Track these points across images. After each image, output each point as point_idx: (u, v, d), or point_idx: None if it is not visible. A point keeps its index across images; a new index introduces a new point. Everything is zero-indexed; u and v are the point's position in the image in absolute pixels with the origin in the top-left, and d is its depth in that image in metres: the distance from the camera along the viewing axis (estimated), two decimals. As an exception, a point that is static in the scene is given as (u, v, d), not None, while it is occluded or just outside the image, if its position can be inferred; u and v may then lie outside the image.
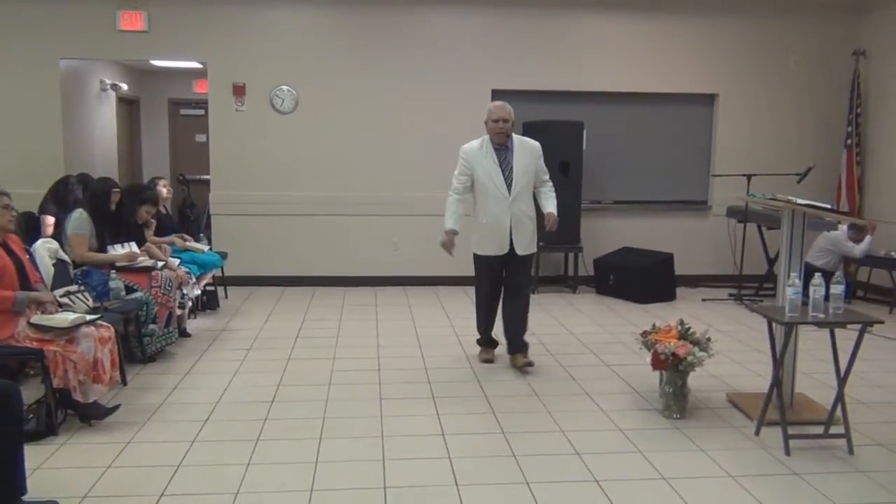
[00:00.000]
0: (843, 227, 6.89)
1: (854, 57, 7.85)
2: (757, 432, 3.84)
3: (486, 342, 5.24)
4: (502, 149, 4.91)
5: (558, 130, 7.36)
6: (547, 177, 5.11)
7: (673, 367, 3.98)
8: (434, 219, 7.73)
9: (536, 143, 5.04)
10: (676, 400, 4.06)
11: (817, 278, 3.68)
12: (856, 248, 6.85)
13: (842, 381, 3.72)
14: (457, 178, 5.00)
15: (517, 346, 5.01)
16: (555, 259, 7.98)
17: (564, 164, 7.32)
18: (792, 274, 3.89)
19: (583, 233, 7.65)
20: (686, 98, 8.07)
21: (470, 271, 8.03)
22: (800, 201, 4.01)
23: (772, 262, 7.31)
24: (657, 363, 4.02)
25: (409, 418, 4.02)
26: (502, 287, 5.09)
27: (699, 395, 4.38)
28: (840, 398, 3.72)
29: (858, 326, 3.70)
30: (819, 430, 3.79)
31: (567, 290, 7.69)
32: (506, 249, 4.90)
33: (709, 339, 4.11)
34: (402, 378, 4.73)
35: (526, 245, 4.94)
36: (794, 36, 8.01)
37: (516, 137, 4.98)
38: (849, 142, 7.82)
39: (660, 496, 3.17)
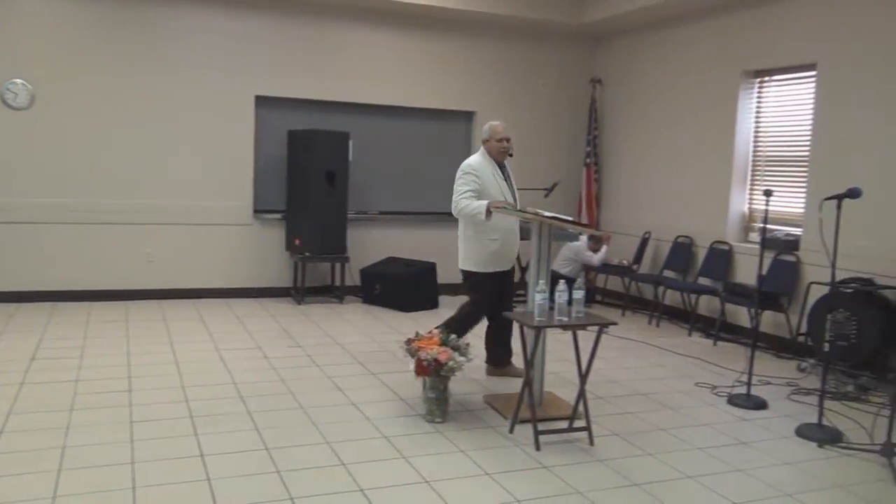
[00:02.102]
0: (584, 238, 7.57)
1: (591, 84, 8.70)
2: (511, 430, 4.09)
3: (497, 359, 5.24)
4: (503, 167, 5.02)
5: (324, 140, 7.34)
6: None
7: (435, 373, 4.11)
8: (193, 228, 7.42)
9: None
10: (439, 404, 4.20)
11: (562, 285, 4.01)
12: (594, 257, 7.57)
13: (583, 378, 4.08)
14: (463, 194, 4.85)
15: (508, 357, 5.21)
16: (321, 269, 7.93)
17: (330, 175, 7.32)
18: (540, 281, 4.19)
19: (349, 243, 7.68)
20: (448, 114, 8.43)
21: (234, 283, 7.76)
22: (546, 214, 4.34)
23: (523, 270, 7.84)
24: (420, 370, 4.13)
25: (164, 441, 3.76)
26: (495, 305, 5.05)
27: (460, 398, 4.58)
28: (582, 394, 4.07)
29: (597, 328, 4.08)
30: (565, 424, 4.11)
31: (334, 299, 7.68)
32: (511, 264, 5.06)
33: (468, 345, 4.31)
34: (157, 398, 4.42)
35: (514, 260, 5.15)
36: (543, 62, 8.69)
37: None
38: (588, 160, 8.64)
39: (422, 499, 3.25)
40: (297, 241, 7.43)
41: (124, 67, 7.08)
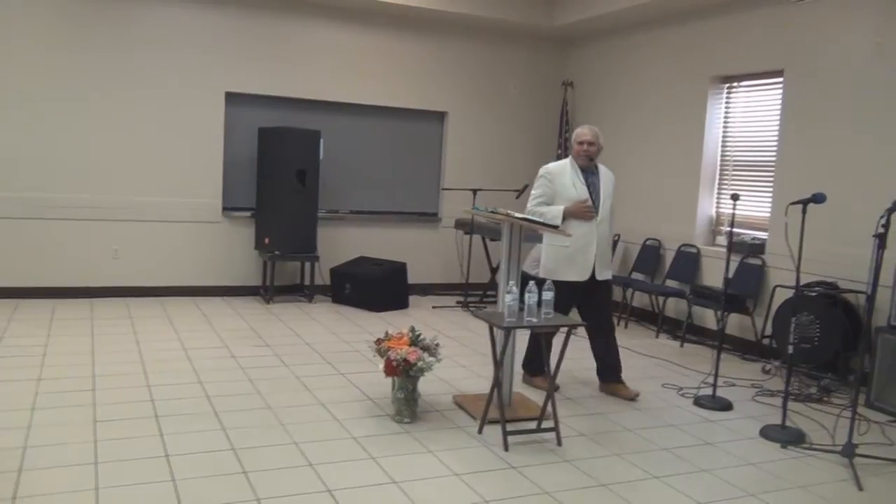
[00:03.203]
0: (554, 240, 7.60)
1: (563, 86, 8.75)
2: (480, 431, 4.10)
3: (539, 366, 4.83)
4: (588, 172, 4.82)
5: (295, 138, 7.29)
6: (612, 217, 4.96)
7: (404, 373, 4.10)
8: (161, 224, 7.32)
9: (612, 175, 4.99)
10: (408, 405, 4.19)
11: (532, 286, 4.03)
12: (564, 258, 7.60)
13: (552, 379, 4.10)
14: (534, 198, 4.78)
15: (618, 374, 4.95)
16: (291, 268, 7.88)
17: (301, 173, 7.27)
18: (510, 282, 4.21)
19: (319, 242, 7.64)
20: (420, 114, 8.42)
21: (202, 281, 7.68)
22: (517, 215, 4.35)
23: (494, 271, 7.87)
24: (389, 370, 4.12)
25: (128, 441, 3.71)
26: (585, 320, 4.81)
27: (429, 398, 4.57)
28: (550, 395, 4.09)
29: (565, 329, 4.10)
30: (533, 425, 4.13)
31: (303, 299, 7.63)
32: (588, 275, 4.74)
33: (437, 345, 4.31)
34: (121, 398, 4.35)
35: (606, 270, 4.84)
36: (515, 63, 8.73)
37: (600, 165, 4.91)
38: (559, 163, 8.68)
39: (390, 500, 3.24)
40: (266, 240, 7.37)
41: (91, 62, 6.96)
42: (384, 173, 8.37)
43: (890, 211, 3.80)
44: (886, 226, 3.79)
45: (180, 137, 7.34)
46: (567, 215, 4.68)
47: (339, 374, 5.09)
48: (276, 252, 7.32)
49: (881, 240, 3.80)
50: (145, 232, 7.28)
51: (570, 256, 4.75)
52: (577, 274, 4.74)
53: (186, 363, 5.16)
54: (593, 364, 5.67)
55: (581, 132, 4.83)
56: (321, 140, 7.48)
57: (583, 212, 4.70)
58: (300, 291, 7.81)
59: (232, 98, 7.51)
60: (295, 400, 4.50)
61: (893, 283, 4.78)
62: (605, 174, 4.91)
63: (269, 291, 7.42)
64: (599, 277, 4.79)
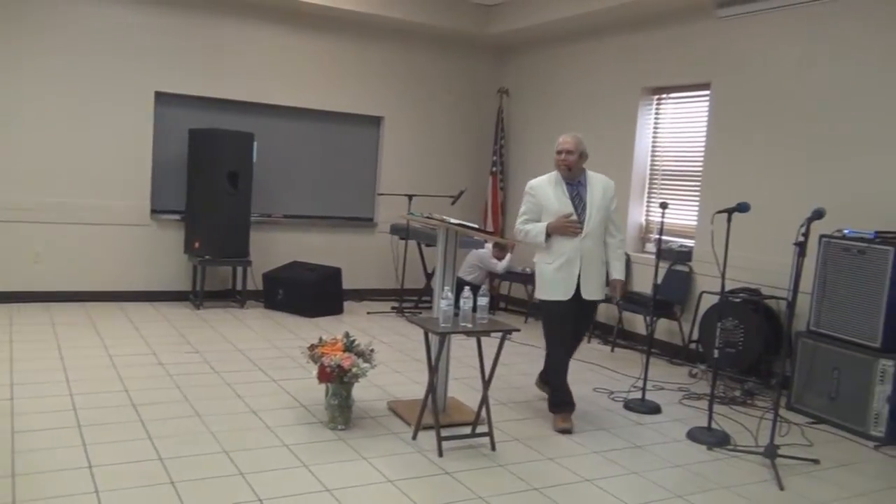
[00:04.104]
0: (489, 246, 7.67)
1: (499, 94, 8.84)
2: (414, 437, 4.09)
3: (560, 405, 4.50)
4: (573, 183, 4.49)
5: (227, 140, 7.15)
6: (618, 228, 4.60)
7: (338, 380, 4.06)
8: (86, 227, 7.07)
9: (610, 182, 4.60)
10: (342, 411, 4.15)
11: (467, 291, 4.05)
12: (499, 264, 7.68)
13: (486, 384, 4.12)
14: (520, 216, 4.57)
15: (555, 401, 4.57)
16: (222, 273, 7.71)
17: (233, 175, 7.13)
18: (445, 287, 4.21)
19: (252, 246, 7.50)
20: (356, 118, 8.37)
21: (129, 286, 7.46)
22: (452, 221, 4.37)
23: (429, 276, 7.87)
24: (323, 376, 4.07)
25: (48, 452, 3.56)
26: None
27: (363, 405, 4.54)
28: (485, 400, 4.12)
29: (500, 334, 4.13)
30: (468, 430, 4.14)
31: (234, 304, 7.48)
32: (571, 293, 4.39)
33: (372, 351, 4.28)
34: (41, 407, 4.17)
35: (594, 290, 4.45)
36: (452, 70, 8.77)
37: (590, 173, 4.57)
38: (494, 169, 8.76)
39: (323, 508, 3.20)
40: (196, 244, 7.20)
41: (13, 59, 6.68)
42: (319, 177, 8.29)
43: (809, 220, 3.96)
44: (806, 235, 3.95)
45: (107, 137, 7.11)
46: (551, 232, 4.42)
47: (272, 381, 5.00)
48: (207, 256, 7.15)
49: (801, 248, 3.96)
50: (69, 234, 7.02)
51: (554, 274, 4.44)
52: (561, 292, 4.41)
53: (111, 370, 4.99)
54: (528, 369, 5.73)
55: (560, 140, 4.51)
56: (255, 143, 7.36)
57: (565, 227, 4.39)
58: (231, 297, 7.65)
59: (162, 98, 7.32)
60: (225, 407, 4.40)
61: (812, 290, 4.98)
62: (597, 183, 4.53)
63: (199, 297, 7.25)
64: (586, 297, 4.43)
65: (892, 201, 5.03)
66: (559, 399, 4.51)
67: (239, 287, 7.54)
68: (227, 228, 7.21)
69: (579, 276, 4.39)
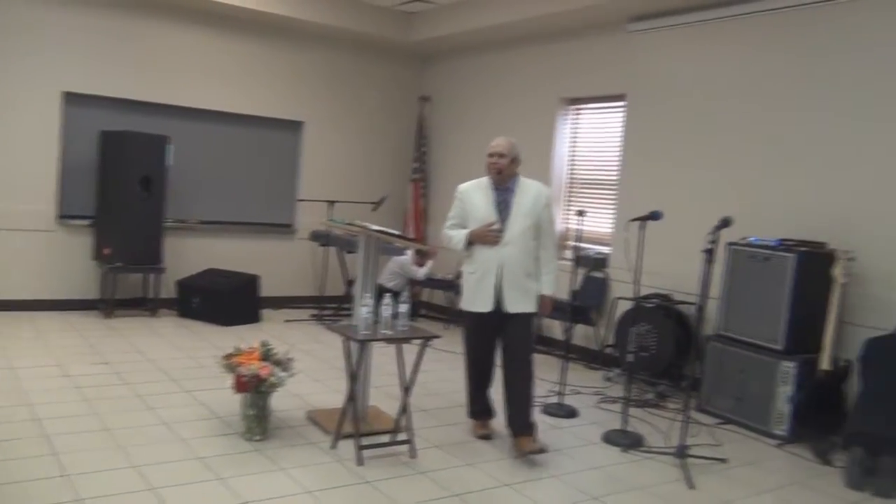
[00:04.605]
0: (410, 253, 7.66)
1: (420, 101, 8.86)
2: (333, 446, 4.04)
3: (477, 413, 4.45)
4: (502, 189, 4.25)
5: (140, 143, 6.91)
6: (550, 240, 4.31)
7: (255, 389, 3.98)
8: (6, 233, 6.72)
9: (545, 190, 4.36)
10: (259, 422, 4.06)
11: (387, 298, 4.03)
12: (419, 271, 7.68)
13: (406, 391, 4.11)
14: (447, 221, 4.38)
15: (520, 427, 4.18)
16: (133, 280, 7.44)
17: (145, 179, 6.90)
18: (366, 294, 4.19)
19: (165, 253, 7.27)
20: (275, 123, 8.24)
21: (34, 294, 7.12)
22: (373, 227, 4.35)
23: (350, 283, 7.80)
24: (240, 386, 3.98)
25: (-60, 471, 3.36)
26: (496, 352, 4.36)
27: (281, 414, 4.46)
28: (405, 407, 4.10)
29: (420, 341, 4.13)
30: (388, 438, 4.12)
31: (146, 313, 7.22)
32: (490, 306, 4.15)
33: (290, 359, 4.21)
34: (-66, 423, 3.94)
35: (518, 302, 4.17)
36: (374, 76, 8.74)
37: (523, 180, 4.30)
38: (415, 176, 8.78)
39: (239, 522, 3.13)
40: (106, 250, 6.92)
41: None
42: (237, 182, 8.11)
43: (717, 228, 4.12)
44: (714, 242, 4.11)
45: (9, 139, 6.77)
46: (472, 240, 4.24)
47: (185, 392, 4.85)
48: (118, 263, 6.89)
49: (709, 255, 4.12)
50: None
51: (472, 284, 4.26)
52: (480, 304, 4.21)
53: (13, 382, 4.74)
54: (448, 375, 5.75)
55: (493, 143, 4.28)
56: (170, 146, 7.13)
57: (485, 235, 4.19)
58: (143, 305, 7.38)
59: (71, 98, 7.02)
60: (136, 420, 4.25)
61: (720, 295, 5.18)
62: (528, 190, 4.28)
63: (109, 305, 6.97)
64: (510, 310, 4.18)
65: (796, 210, 5.28)
66: (477, 407, 4.51)
67: (151, 295, 7.29)
68: (138, 234, 6.96)
69: (500, 287, 4.17)
